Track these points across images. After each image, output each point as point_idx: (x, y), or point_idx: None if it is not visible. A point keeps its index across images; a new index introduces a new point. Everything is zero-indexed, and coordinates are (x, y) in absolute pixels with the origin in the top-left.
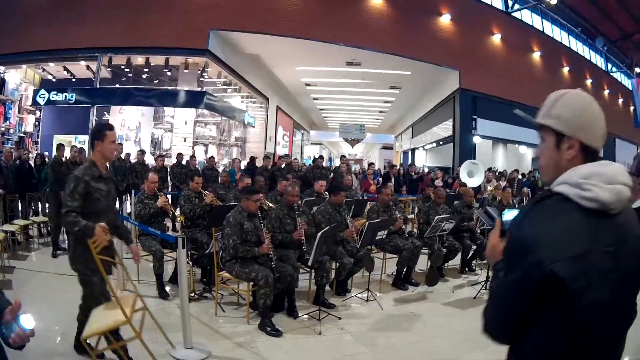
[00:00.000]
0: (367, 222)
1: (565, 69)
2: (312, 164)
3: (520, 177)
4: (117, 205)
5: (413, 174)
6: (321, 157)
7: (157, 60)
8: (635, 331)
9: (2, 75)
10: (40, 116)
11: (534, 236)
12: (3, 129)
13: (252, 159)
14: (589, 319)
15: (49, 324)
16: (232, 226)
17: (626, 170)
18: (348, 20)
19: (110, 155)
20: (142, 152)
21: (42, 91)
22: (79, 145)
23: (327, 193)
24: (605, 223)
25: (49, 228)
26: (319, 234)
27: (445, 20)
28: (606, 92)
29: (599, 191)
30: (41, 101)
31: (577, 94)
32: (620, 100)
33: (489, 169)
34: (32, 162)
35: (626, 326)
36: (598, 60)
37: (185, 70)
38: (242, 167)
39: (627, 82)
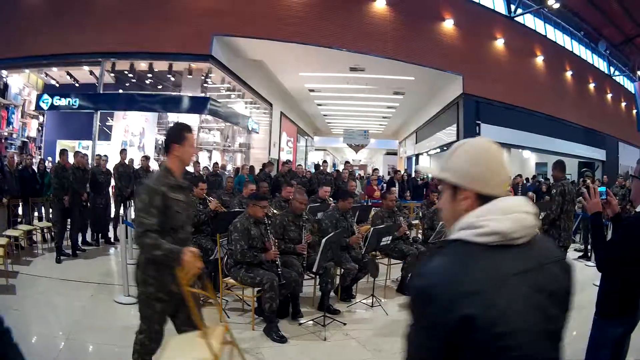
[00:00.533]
0: (372, 228)
1: (569, 73)
2: (315, 170)
3: (524, 181)
4: (122, 211)
5: (418, 179)
6: (325, 162)
7: (160, 65)
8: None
9: (5, 79)
10: (43, 121)
11: (433, 283)
12: (6, 133)
13: (264, 165)
14: (507, 346)
15: (53, 329)
16: (240, 232)
17: (631, 172)
18: (351, 26)
19: (190, 160)
20: (146, 158)
21: (46, 96)
22: (83, 151)
23: (331, 199)
24: (512, 253)
25: (53, 233)
26: (324, 240)
27: (448, 25)
28: (609, 95)
29: (495, 223)
30: (44, 106)
31: (473, 144)
32: (624, 104)
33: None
34: (35, 167)
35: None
36: (601, 64)
37: (188, 76)
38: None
39: (629, 86)
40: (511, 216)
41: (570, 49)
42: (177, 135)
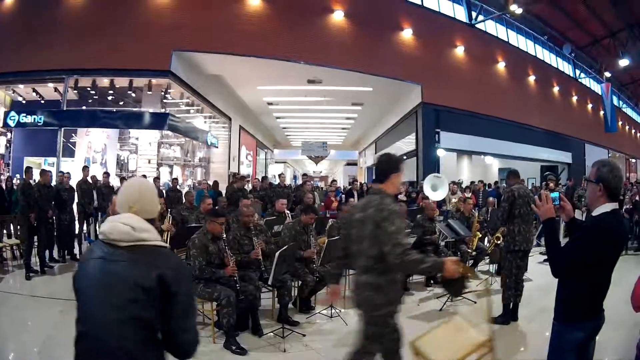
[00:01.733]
0: (327, 240)
1: (532, 78)
2: (261, 182)
3: (485, 187)
4: (85, 228)
5: None
6: (282, 174)
7: (121, 81)
8: (620, 334)
9: None
10: (11, 138)
11: None
12: None
13: (235, 180)
14: (81, 298)
15: (27, 345)
16: (198, 247)
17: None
18: (309, 38)
19: (398, 189)
20: (107, 175)
21: (13, 113)
22: (47, 168)
23: (288, 212)
24: (107, 247)
25: (21, 250)
26: (277, 253)
27: (407, 35)
28: (574, 98)
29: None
30: (11, 123)
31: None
32: (590, 106)
33: (456, 182)
34: (3, 185)
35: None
36: (565, 67)
37: (148, 92)
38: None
39: (596, 87)
40: (109, 224)
41: (534, 54)
42: (396, 166)
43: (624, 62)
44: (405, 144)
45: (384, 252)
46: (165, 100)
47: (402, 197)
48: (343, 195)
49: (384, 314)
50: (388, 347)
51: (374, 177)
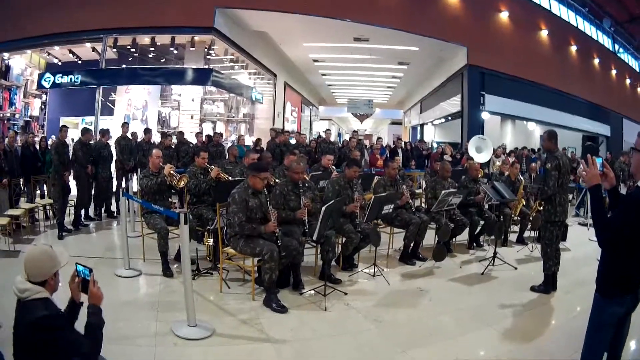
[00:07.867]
0: (373, 196)
1: (573, 48)
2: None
3: (528, 153)
4: (124, 183)
5: (422, 150)
6: (328, 131)
7: (162, 39)
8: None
9: (6, 61)
10: (46, 100)
11: None
12: (8, 114)
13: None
14: None
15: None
16: (238, 203)
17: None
18: None
19: None
20: (148, 131)
21: (47, 74)
22: (86, 127)
23: (334, 167)
24: None
25: (54, 210)
26: (323, 208)
27: None
28: (614, 72)
29: None
30: (46, 84)
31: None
32: (628, 81)
33: (501, 147)
34: (37, 146)
35: None
36: (605, 41)
37: (191, 49)
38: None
39: (634, 64)
40: None
41: (575, 25)
42: None
43: None
44: (451, 106)
45: None
46: (208, 57)
47: (447, 157)
48: (388, 154)
49: None
50: None
51: None
